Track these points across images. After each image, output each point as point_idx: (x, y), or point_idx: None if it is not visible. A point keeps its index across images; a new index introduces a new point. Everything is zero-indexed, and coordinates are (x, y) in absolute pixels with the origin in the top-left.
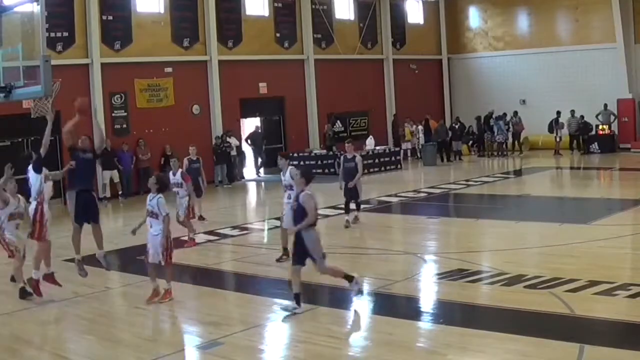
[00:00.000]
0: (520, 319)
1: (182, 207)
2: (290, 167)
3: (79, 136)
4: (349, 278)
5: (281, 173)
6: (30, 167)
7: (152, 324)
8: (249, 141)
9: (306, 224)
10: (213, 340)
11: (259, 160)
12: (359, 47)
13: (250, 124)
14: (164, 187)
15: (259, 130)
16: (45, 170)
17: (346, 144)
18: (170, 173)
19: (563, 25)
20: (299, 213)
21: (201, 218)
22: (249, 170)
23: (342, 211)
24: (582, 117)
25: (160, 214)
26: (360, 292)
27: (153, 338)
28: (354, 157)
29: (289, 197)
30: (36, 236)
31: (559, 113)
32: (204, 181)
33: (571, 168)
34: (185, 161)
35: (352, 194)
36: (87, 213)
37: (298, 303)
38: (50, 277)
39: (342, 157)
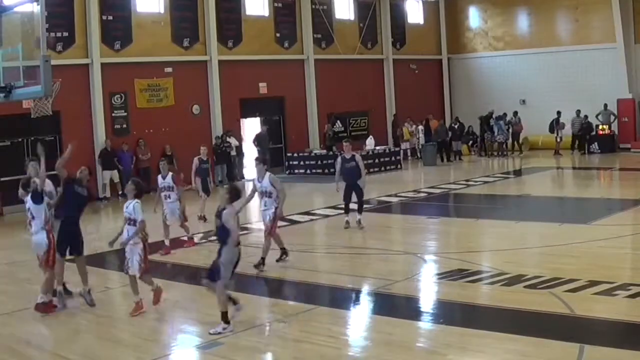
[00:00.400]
0: (520, 319)
1: (175, 213)
2: (269, 173)
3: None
4: (225, 316)
5: (256, 179)
6: (29, 198)
7: (152, 324)
8: (255, 142)
9: (233, 244)
10: (213, 340)
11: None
12: (359, 47)
13: (250, 124)
14: (141, 192)
15: (265, 132)
16: (46, 199)
17: (344, 144)
18: (159, 177)
19: (563, 25)
20: (222, 230)
21: (202, 218)
22: (249, 170)
23: (342, 211)
24: (586, 117)
25: (136, 220)
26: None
27: (153, 338)
28: (353, 156)
29: (265, 205)
30: (50, 264)
31: (559, 113)
32: (212, 181)
33: (571, 168)
34: (196, 160)
35: (357, 194)
36: (69, 243)
37: (226, 321)
38: (44, 306)
39: (340, 158)
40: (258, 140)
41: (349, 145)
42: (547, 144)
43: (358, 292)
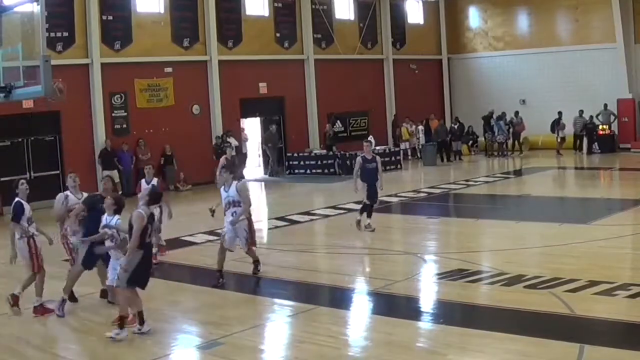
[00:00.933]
0: (520, 319)
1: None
2: (235, 182)
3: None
4: (121, 321)
5: (222, 188)
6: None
7: (152, 324)
8: (264, 142)
9: (132, 247)
10: (213, 340)
11: (272, 160)
12: (359, 47)
13: (252, 124)
14: (121, 208)
15: (275, 131)
16: (23, 222)
17: (364, 144)
18: (143, 181)
19: (563, 25)
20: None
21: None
22: (249, 170)
23: (342, 211)
24: (591, 117)
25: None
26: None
27: (153, 338)
28: (374, 157)
29: (233, 215)
30: (36, 269)
31: (560, 114)
32: None
33: (571, 168)
34: (223, 160)
35: (375, 197)
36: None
37: (141, 322)
38: (42, 308)
39: (360, 158)
40: (267, 140)
41: (369, 145)
42: (547, 144)
43: (358, 292)
